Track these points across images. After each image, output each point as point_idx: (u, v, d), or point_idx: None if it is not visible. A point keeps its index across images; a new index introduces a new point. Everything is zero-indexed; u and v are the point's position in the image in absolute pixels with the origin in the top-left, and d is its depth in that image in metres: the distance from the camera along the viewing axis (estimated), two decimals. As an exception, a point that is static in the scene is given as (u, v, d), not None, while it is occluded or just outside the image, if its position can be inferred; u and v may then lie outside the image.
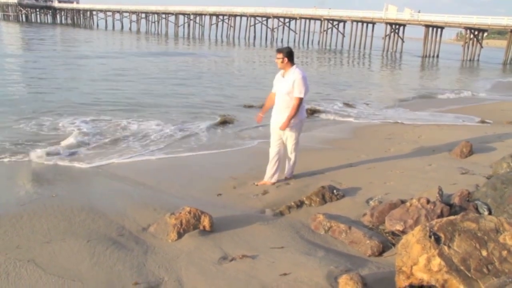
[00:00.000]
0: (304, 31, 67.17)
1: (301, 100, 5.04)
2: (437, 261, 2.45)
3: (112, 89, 14.68)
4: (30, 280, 3.13)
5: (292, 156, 5.48)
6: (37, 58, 23.53)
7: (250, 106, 12.47)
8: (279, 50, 5.02)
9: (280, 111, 5.17)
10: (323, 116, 11.61)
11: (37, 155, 6.65)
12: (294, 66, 5.05)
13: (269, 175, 5.48)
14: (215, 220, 4.01)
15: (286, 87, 5.01)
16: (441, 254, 2.47)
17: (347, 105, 13.69)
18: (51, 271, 3.26)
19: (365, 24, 61.26)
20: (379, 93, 17.37)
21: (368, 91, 17.75)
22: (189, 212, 3.95)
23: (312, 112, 11.51)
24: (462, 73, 33.47)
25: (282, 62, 5.01)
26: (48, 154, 6.83)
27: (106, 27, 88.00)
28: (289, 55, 5.00)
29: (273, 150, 5.41)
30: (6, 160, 6.49)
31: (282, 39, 66.72)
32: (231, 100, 13.80)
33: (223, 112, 11.40)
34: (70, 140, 7.79)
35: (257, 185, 5.46)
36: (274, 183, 5.45)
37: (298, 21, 67.71)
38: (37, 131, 8.44)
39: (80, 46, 35.96)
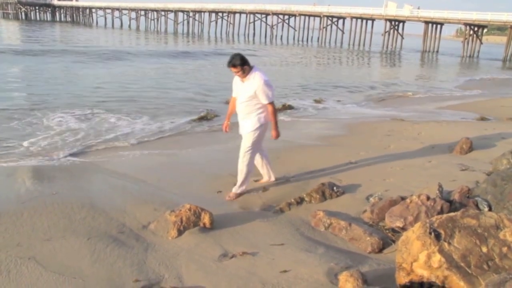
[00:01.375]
0: (304, 28, 67.12)
1: (274, 104, 4.81)
2: (437, 258, 2.45)
3: (107, 87, 14.71)
4: (31, 278, 3.14)
5: (242, 163, 4.98)
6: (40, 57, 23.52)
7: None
8: (232, 65, 4.60)
9: (243, 117, 4.89)
10: (294, 112, 11.87)
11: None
12: (254, 70, 4.68)
13: (266, 176, 5.40)
14: (215, 217, 4.01)
15: (248, 93, 4.69)
16: (441, 251, 2.47)
17: (317, 101, 13.98)
18: (51, 268, 3.26)
19: (364, 21, 61.20)
20: (359, 90, 17.37)
21: (349, 88, 17.77)
22: (189, 209, 3.95)
23: (286, 108, 11.93)
24: (450, 70, 33.30)
25: (243, 72, 4.64)
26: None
27: (105, 24, 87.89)
28: (244, 62, 4.60)
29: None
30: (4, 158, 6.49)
31: (281, 36, 66.66)
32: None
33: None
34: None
35: (256, 181, 5.42)
36: (274, 180, 5.41)
37: (297, 18, 67.66)
38: (26, 127, 8.44)
39: (86, 44, 35.92)
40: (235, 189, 5.05)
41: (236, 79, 4.87)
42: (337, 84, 18.76)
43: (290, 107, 12.21)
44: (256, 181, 5.44)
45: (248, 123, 4.85)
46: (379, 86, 19.04)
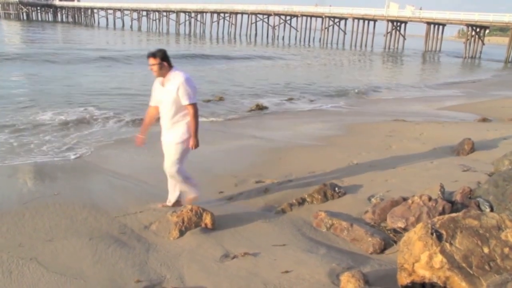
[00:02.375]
0: (305, 28, 67.13)
1: (196, 106, 4.19)
2: (439, 258, 2.45)
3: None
4: (33, 278, 3.15)
5: (172, 180, 4.49)
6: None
7: (208, 101, 12.89)
8: (152, 55, 4.05)
9: (169, 127, 4.26)
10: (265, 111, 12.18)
11: None
12: (174, 69, 4.15)
13: (171, 197, 4.64)
14: (216, 218, 4.01)
15: (171, 96, 4.11)
16: (443, 251, 2.47)
17: (290, 99, 14.41)
18: (53, 269, 3.27)
19: (366, 22, 61.17)
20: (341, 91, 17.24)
21: (330, 89, 17.60)
22: (191, 210, 3.96)
23: (259, 108, 12.19)
24: (438, 70, 33.18)
25: (160, 68, 4.08)
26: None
27: (107, 25, 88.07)
28: (165, 57, 4.09)
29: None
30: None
31: (283, 37, 66.71)
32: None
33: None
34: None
35: (161, 206, 4.62)
36: (174, 205, 4.59)
37: (299, 19, 67.69)
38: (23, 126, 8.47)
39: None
40: (188, 200, 4.56)
41: (156, 85, 4.29)
42: (322, 85, 18.67)
43: (263, 107, 12.37)
44: (161, 206, 4.64)
45: (175, 133, 4.25)
46: (363, 87, 18.76)
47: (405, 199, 4.02)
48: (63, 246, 3.65)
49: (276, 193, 5.10)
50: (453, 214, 2.74)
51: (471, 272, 2.38)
